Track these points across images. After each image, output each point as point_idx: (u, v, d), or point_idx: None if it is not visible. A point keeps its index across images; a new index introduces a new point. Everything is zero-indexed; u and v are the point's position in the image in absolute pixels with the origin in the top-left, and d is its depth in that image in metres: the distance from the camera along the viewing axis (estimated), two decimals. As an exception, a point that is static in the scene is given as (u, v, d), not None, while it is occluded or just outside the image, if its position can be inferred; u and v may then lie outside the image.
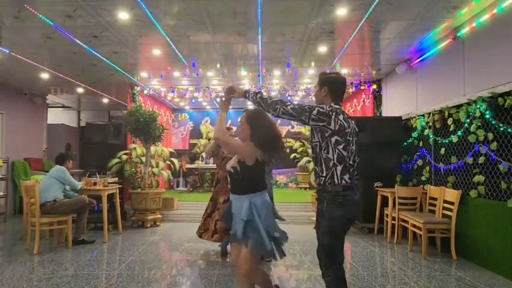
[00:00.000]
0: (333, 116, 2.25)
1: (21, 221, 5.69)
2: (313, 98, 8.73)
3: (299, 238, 5.68)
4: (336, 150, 2.26)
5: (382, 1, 4.05)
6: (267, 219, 2.45)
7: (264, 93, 2.41)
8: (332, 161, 2.26)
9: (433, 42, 5.35)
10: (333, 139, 2.26)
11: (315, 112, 2.23)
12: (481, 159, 4.14)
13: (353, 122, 2.40)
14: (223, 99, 2.58)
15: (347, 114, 2.37)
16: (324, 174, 2.28)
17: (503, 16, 3.94)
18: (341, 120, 2.27)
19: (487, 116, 4.05)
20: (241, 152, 2.48)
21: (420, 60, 5.87)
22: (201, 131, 11.36)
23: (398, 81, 6.81)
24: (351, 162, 2.31)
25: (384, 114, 7.47)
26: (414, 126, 5.91)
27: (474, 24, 4.40)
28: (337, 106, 2.35)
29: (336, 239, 2.30)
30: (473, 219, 4.33)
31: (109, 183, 5.80)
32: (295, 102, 2.30)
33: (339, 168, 2.25)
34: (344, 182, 2.25)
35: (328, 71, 2.58)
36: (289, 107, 2.23)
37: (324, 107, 2.29)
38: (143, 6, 4.16)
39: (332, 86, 2.40)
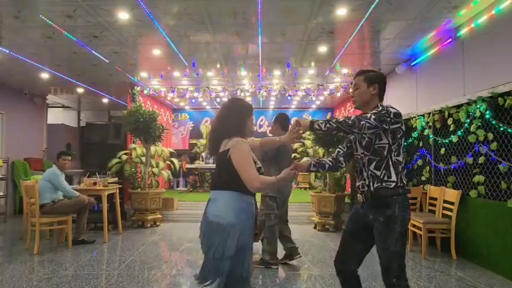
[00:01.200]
0: (402, 116, 2.20)
1: (21, 221, 5.69)
2: (313, 98, 8.80)
3: (299, 238, 5.68)
4: (404, 154, 2.24)
5: (382, 1, 4.05)
6: None
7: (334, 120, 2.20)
8: (401, 165, 2.19)
9: (433, 42, 5.35)
10: (402, 141, 2.22)
11: (392, 115, 2.14)
12: (481, 159, 4.14)
13: None
14: (291, 133, 2.22)
15: None
16: (394, 179, 2.15)
17: (503, 16, 3.94)
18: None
19: (487, 116, 4.05)
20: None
21: (420, 60, 5.87)
22: (201, 131, 11.36)
23: (398, 81, 6.80)
24: None
25: (384, 114, 7.45)
26: (414, 126, 5.90)
27: (474, 24, 4.40)
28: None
29: (405, 243, 2.20)
30: (473, 219, 4.33)
31: (109, 183, 5.80)
32: (371, 113, 2.17)
33: (404, 171, 2.22)
34: (406, 183, 2.22)
35: (369, 69, 2.44)
36: (372, 119, 2.09)
37: (393, 107, 2.21)
38: (143, 6, 4.17)
39: (382, 84, 2.33)
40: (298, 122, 2.19)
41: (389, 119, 2.12)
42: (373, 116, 2.10)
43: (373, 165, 2.20)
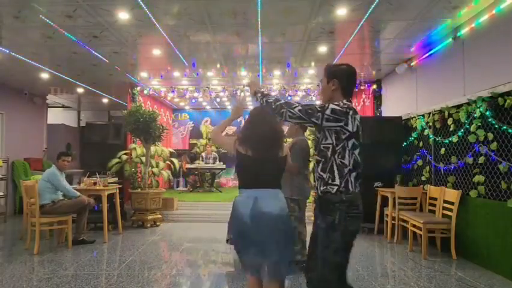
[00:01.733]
0: (350, 115, 1.99)
1: (21, 221, 5.68)
2: (313, 98, 8.81)
3: (299, 238, 5.68)
4: (353, 156, 2.01)
5: (382, 1, 4.05)
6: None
7: (273, 96, 2.17)
8: (348, 168, 1.99)
9: (433, 42, 5.35)
10: (350, 142, 2.00)
11: (328, 111, 1.95)
12: (481, 159, 4.14)
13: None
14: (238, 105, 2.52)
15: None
16: (338, 183, 1.99)
17: (503, 16, 3.94)
18: (358, 121, 2.03)
19: (487, 116, 4.05)
20: (225, 146, 2.52)
21: (420, 60, 5.87)
22: (201, 131, 11.37)
23: (398, 81, 6.80)
24: (362, 166, 2.07)
25: (384, 114, 7.47)
26: (414, 126, 5.91)
27: (474, 24, 4.40)
28: (350, 103, 2.06)
29: (348, 255, 2.03)
30: (473, 219, 4.33)
31: (109, 183, 5.80)
32: (303, 103, 2.05)
33: (353, 174, 2.01)
34: (357, 189, 2.03)
35: (336, 63, 2.27)
36: (296, 109, 1.99)
37: (340, 103, 2.00)
38: (143, 6, 4.17)
39: (343, 79, 2.11)
40: (249, 83, 2.32)
41: (319, 113, 1.96)
42: (299, 107, 2.00)
43: (320, 166, 2.07)
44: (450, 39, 4.93)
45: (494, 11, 4.03)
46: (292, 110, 2.00)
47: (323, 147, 2.05)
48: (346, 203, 1.98)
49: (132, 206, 6.72)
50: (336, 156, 2.01)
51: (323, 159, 2.06)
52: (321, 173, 2.06)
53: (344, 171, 2.00)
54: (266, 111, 2.34)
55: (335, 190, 2.00)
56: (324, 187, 2.04)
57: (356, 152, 2.03)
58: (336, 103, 2.01)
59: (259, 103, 2.20)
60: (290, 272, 2.31)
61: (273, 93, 8.38)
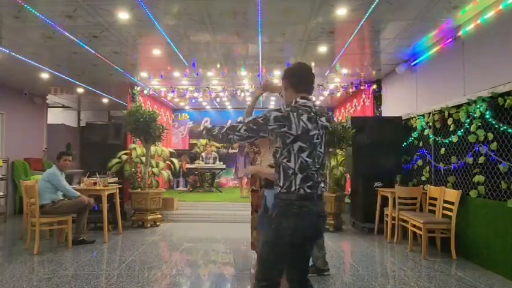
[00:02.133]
0: (293, 118, 1.94)
1: (21, 221, 5.68)
2: (313, 98, 8.82)
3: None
4: (299, 159, 1.98)
5: (382, 1, 4.06)
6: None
7: (216, 127, 2.12)
8: (292, 170, 1.99)
9: (433, 42, 5.35)
10: (295, 146, 1.97)
11: (271, 121, 1.94)
12: (481, 159, 4.14)
13: (325, 118, 2.10)
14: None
15: (318, 109, 2.07)
16: (281, 184, 2.02)
17: (503, 16, 3.94)
18: (303, 121, 1.96)
19: (487, 116, 4.05)
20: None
21: (420, 60, 5.87)
22: (201, 131, 11.36)
23: (398, 81, 6.81)
24: (315, 168, 2.03)
25: (384, 114, 7.47)
26: (414, 126, 5.91)
27: (474, 24, 4.40)
28: (303, 101, 2.04)
29: (277, 252, 2.00)
30: (473, 219, 4.33)
31: (109, 183, 5.80)
32: (246, 120, 2.02)
33: (299, 177, 1.99)
34: (302, 190, 1.98)
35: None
36: (242, 131, 1.97)
37: (281, 108, 1.98)
38: (143, 6, 4.17)
39: (292, 77, 2.15)
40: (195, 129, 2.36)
41: (264, 125, 1.95)
42: (244, 127, 1.98)
43: (275, 168, 2.13)
44: (450, 39, 4.93)
45: (494, 11, 4.03)
46: (238, 133, 1.98)
47: (275, 149, 2.10)
48: (286, 201, 2.00)
49: (132, 206, 6.72)
50: (282, 159, 2.02)
51: (274, 160, 2.12)
52: (275, 172, 2.14)
53: (288, 173, 2.01)
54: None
55: (278, 190, 2.05)
56: (275, 186, 2.12)
57: (304, 155, 1.99)
58: (277, 108, 1.99)
59: (207, 136, 2.15)
60: None
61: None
